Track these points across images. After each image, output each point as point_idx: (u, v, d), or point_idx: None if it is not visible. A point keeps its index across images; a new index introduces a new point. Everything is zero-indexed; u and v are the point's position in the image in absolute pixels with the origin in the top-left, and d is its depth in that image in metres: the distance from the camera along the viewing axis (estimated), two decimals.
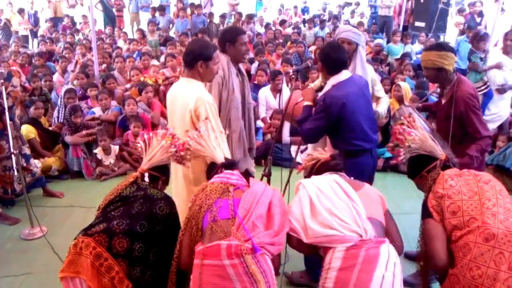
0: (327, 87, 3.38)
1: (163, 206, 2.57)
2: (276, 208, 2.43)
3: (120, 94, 7.19)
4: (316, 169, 2.86)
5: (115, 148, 6.04)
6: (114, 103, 6.80)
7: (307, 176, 2.94)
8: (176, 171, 3.23)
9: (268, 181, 3.47)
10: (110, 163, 5.95)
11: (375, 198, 2.59)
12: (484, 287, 2.24)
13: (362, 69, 3.97)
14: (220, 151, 2.77)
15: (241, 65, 3.95)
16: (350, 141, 3.37)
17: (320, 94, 3.43)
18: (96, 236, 2.37)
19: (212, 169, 2.73)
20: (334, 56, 3.36)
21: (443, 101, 3.72)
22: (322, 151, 3.00)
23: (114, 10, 13.71)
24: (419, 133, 2.84)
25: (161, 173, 2.84)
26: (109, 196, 2.65)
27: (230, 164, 2.69)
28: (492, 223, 2.32)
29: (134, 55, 9.40)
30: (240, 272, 2.16)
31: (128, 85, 7.62)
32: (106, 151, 5.95)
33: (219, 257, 2.17)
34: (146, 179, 2.78)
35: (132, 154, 6.14)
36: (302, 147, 6.15)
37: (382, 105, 4.18)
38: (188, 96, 3.00)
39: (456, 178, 2.61)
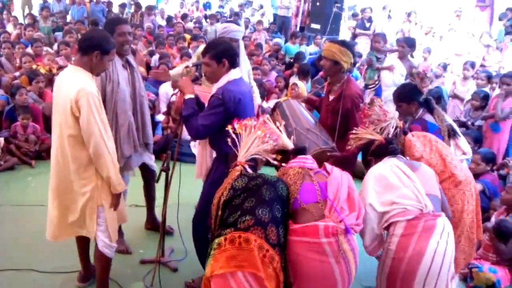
0: (221, 83, 3.23)
1: (283, 186, 2.64)
2: (353, 192, 2.73)
3: (7, 82, 6.70)
4: (372, 151, 3.19)
5: (0, 141, 5.64)
6: (0, 91, 6.34)
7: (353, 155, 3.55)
8: None
9: (166, 176, 3.48)
10: None
11: (431, 175, 3.04)
12: (456, 219, 3.11)
13: (244, 60, 4.34)
14: (287, 138, 2.92)
15: (130, 57, 3.78)
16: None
17: (214, 87, 3.27)
18: (252, 229, 2.40)
19: (283, 155, 2.87)
20: (235, 53, 3.35)
21: (331, 97, 3.92)
22: (371, 131, 3.27)
23: None
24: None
25: (256, 163, 2.87)
26: (221, 191, 2.64)
27: (301, 150, 2.87)
28: (458, 173, 3.18)
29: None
30: (335, 249, 2.47)
31: (17, 73, 7.13)
32: None
33: (317, 235, 2.47)
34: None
35: (21, 147, 5.78)
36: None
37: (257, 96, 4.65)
38: (71, 85, 2.89)
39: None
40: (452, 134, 3.60)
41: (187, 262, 3.89)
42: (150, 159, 4.04)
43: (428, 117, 3.63)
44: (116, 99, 3.52)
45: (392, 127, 3.31)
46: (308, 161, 2.80)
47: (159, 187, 3.64)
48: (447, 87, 8.43)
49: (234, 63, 3.28)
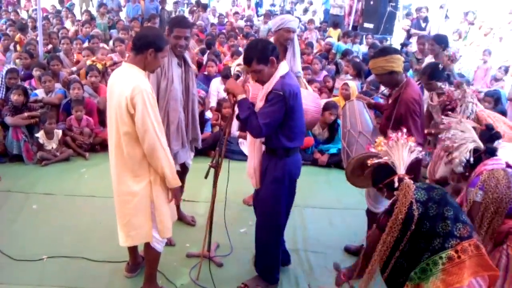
0: (274, 79, 3.16)
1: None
2: None
3: (65, 77, 6.95)
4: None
5: (58, 133, 5.84)
6: (58, 85, 6.58)
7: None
8: None
9: (215, 173, 3.49)
10: (52, 148, 5.76)
11: None
12: None
13: (294, 54, 4.47)
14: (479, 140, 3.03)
15: (187, 55, 3.85)
16: (292, 137, 3.26)
17: (267, 85, 3.20)
18: (474, 234, 2.55)
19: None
20: (274, 46, 3.25)
21: (390, 101, 3.77)
22: (466, 120, 3.40)
23: None
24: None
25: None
26: (404, 207, 2.57)
27: (494, 150, 2.96)
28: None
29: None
30: None
31: (74, 68, 7.39)
32: (49, 135, 5.75)
33: None
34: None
35: (76, 139, 5.98)
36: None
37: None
38: (126, 82, 2.92)
39: None
40: None
41: (232, 258, 3.90)
42: (189, 158, 4.10)
43: None
44: (169, 97, 3.61)
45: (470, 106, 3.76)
46: (502, 161, 2.92)
47: (208, 183, 3.64)
48: (506, 90, 8.06)
49: (278, 57, 3.22)
